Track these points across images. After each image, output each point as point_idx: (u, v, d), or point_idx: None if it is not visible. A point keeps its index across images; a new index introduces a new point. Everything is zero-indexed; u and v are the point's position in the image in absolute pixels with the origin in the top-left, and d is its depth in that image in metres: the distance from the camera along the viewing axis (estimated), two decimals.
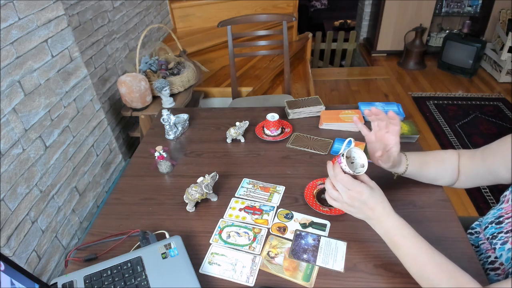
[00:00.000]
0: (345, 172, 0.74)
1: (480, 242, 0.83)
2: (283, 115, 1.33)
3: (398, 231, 0.70)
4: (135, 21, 2.30)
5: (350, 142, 0.81)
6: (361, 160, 0.78)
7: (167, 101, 1.90)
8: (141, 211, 0.97)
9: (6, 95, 1.19)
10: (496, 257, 0.77)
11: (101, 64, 1.91)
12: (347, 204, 0.75)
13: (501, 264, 0.75)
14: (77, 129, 1.58)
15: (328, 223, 0.89)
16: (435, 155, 0.89)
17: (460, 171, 0.87)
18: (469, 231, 0.89)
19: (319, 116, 1.30)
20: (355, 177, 0.74)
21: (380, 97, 3.24)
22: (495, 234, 0.77)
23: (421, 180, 0.91)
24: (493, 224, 0.79)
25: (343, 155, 0.76)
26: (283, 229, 0.88)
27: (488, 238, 0.80)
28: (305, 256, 0.81)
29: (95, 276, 0.76)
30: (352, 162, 0.80)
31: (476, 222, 0.89)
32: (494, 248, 0.77)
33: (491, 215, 0.82)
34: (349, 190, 0.73)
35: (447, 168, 0.87)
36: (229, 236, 0.88)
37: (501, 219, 0.77)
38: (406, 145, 1.13)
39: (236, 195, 1.00)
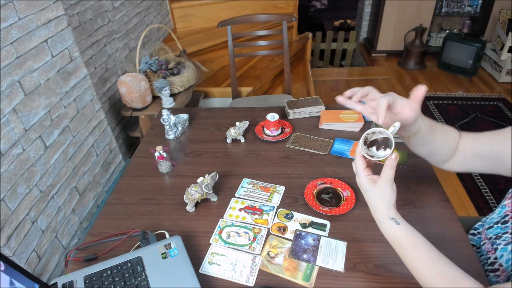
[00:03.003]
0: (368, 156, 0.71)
1: (481, 243, 0.82)
2: (283, 115, 1.33)
3: (394, 239, 0.69)
4: (135, 21, 2.30)
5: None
6: (389, 144, 0.70)
7: (167, 101, 1.90)
8: (141, 211, 0.97)
9: (6, 95, 1.19)
10: (496, 258, 0.76)
11: (101, 64, 1.91)
12: None
13: (500, 265, 0.74)
14: (77, 129, 1.58)
15: (328, 223, 0.89)
16: (442, 126, 0.80)
17: (459, 150, 0.80)
18: (472, 231, 0.88)
19: (319, 116, 1.30)
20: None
21: None
22: (499, 235, 0.75)
23: (420, 151, 0.81)
24: (499, 224, 0.77)
25: (366, 135, 0.71)
26: (283, 229, 0.88)
27: (490, 238, 0.78)
28: (305, 256, 0.81)
29: (95, 276, 0.76)
30: (382, 147, 0.72)
31: (479, 223, 0.88)
32: (496, 249, 0.76)
33: (496, 214, 0.79)
34: (356, 174, 0.73)
35: (449, 143, 0.80)
36: (229, 236, 0.88)
37: (506, 218, 0.75)
38: (406, 145, 1.13)
39: (236, 195, 1.00)
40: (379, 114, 0.67)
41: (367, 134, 0.72)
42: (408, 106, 0.69)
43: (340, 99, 0.75)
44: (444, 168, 0.84)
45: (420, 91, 0.69)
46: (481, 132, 0.77)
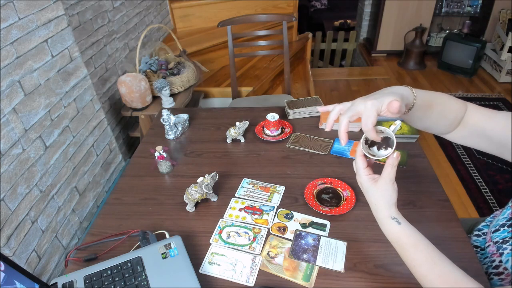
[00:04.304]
0: (369, 155, 0.70)
1: (486, 245, 0.81)
2: (283, 115, 1.33)
3: (395, 239, 0.68)
4: (135, 21, 2.30)
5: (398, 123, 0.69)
6: (391, 143, 0.68)
7: (167, 101, 1.90)
8: (141, 211, 0.97)
9: (6, 95, 1.19)
10: (500, 261, 0.75)
11: (101, 64, 1.91)
12: None
13: (505, 269, 0.74)
14: (77, 129, 1.58)
15: (328, 223, 0.89)
16: (443, 100, 0.73)
17: (465, 124, 0.74)
18: (476, 232, 0.87)
19: (319, 116, 1.30)
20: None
21: None
22: (506, 239, 0.74)
23: (416, 126, 0.78)
24: (505, 227, 0.75)
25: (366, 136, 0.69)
26: (283, 229, 0.88)
27: (496, 242, 0.76)
28: (305, 256, 0.81)
29: (95, 276, 0.76)
30: (383, 146, 0.70)
31: (483, 223, 0.87)
32: (501, 253, 0.74)
33: (501, 216, 0.78)
34: (356, 174, 0.72)
35: (449, 118, 0.74)
36: (229, 236, 0.88)
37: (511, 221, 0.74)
38: (406, 145, 1.13)
39: (236, 195, 1.00)
40: (340, 136, 0.65)
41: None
42: (389, 112, 0.64)
43: (330, 123, 0.70)
44: (446, 138, 0.79)
45: (393, 106, 0.62)
46: (494, 110, 0.71)
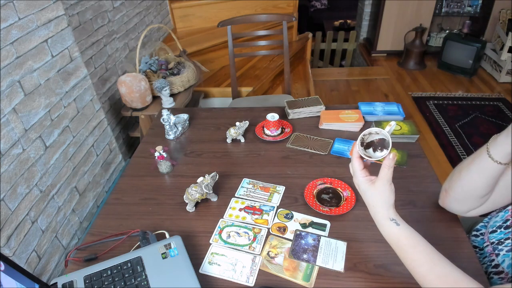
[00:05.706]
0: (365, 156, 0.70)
1: (484, 245, 0.82)
2: (283, 115, 1.33)
3: (393, 241, 0.68)
4: (135, 21, 2.30)
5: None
6: (386, 144, 0.69)
7: (167, 101, 1.90)
8: (141, 211, 0.97)
9: (6, 95, 1.19)
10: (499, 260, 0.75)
11: (101, 64, 1.91)
12: None
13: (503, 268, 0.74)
14: (77, 129, 1.58)
15: (328, 223, 0.89)
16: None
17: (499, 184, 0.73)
18: (474, 232, 0.87)
19: (319, 116, 1.30)
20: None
21: (380, 97, 3.24)
22: (502, 240, 0.75)
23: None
24: (502, 229, 0.76)
25: (363, 136, 0.70)
26: (283, 229, 0.88)
27: (492, 243, 0.77)
28: (305, 256, 0.81)
29: (95, 276, 0.76)
30: (379, 148, 0.71)
31: (481, 224, 0.87)
32: (498, 254, 0.75)
33: (499, 217, 0.78)
34: (353, 176, 0.72)
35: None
36: (229, 236, 0.88)
37: (508, 222, 0.74)
38: (406, 145, 1.13)
39: (236, 195, 1.00)
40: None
41: (364, 135, 0.71)
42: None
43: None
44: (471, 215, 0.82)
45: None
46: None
